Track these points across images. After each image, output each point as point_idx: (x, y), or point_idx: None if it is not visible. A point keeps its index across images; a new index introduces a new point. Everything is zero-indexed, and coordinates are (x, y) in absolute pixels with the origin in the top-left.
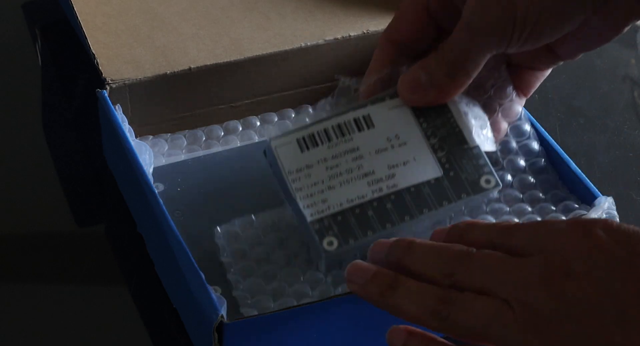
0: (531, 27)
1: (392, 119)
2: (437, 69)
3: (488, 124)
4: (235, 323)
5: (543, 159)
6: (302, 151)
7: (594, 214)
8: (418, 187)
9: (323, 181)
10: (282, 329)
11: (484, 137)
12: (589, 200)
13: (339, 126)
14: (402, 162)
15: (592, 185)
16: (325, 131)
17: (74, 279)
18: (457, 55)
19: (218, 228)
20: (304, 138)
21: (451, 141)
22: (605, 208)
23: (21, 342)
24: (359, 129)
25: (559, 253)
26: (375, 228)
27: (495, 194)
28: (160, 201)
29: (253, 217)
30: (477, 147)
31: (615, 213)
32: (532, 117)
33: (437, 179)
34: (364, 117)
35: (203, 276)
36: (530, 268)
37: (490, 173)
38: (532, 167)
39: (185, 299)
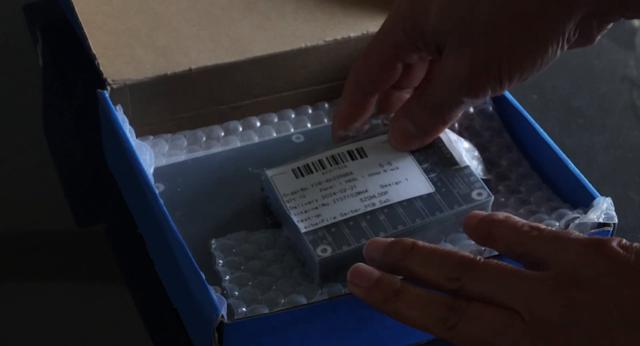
0: (516, 79)
1: (384, 150)
2: (425, 117)
3: (477, 153)
4: (235, 323)
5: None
6: (297, 177)
7: (593, 214)
8: (410, 201)
9: (317, 200)
10: (282, 329)
11: (475, 166)
12: (587, 201)
13: (332, 157)
14: (394, 182)
15: (591, 186)
16: (320, 161)
17: (74, 279)
18: (448, 106)
19: (213, 240)
20: (299, 168)
21: (442, 164)
22: (604, 208)
23: (21, 342)
24: (352, 158)
25: (571, 266)
26: (368, 236)
27: (489, 209)
28: (161, 201)
29: (246, 234)
30: (468, 167)
31: (614, 213)
32: (531, 117)
33: (429, 194)
34: (357, 149)
35: (203, 276)
36: (541, 279)
37: (482, 187)
38: (522, 184)
39: (185, 299)
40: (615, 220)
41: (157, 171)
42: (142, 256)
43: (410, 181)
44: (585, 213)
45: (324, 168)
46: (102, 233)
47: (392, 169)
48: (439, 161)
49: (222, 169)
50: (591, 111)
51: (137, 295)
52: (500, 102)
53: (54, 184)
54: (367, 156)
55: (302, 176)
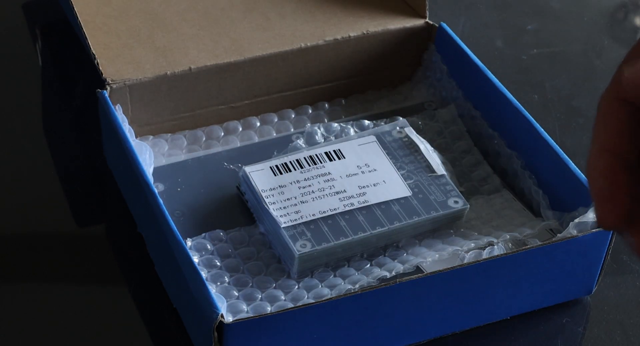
0: None
1: (362, 152)
2: None
3: (450, 166)
4: (235, 323)
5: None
6: (275, 175)
7: (593, 214)
8: (388, 203)
9: (296, 197)
10: (282, 329)
11: (449, 177)
12: (588, 200)
13: (310, 157)
14: (372, 183)
15: None
16: (298, 160)
17: (74, 279)
18: None
19: (188, 240)
20: (277, 166)
21: (419, 171)
22: None
23: (21, 342)
24: (330, 159)
25: None
26: (347, 234)
27: (464, 218)
28: (160, 201)
29: (221, 233)
30: (444, 175)
31: None
32: (531, 117)
33: (406, 199)
34: (334, 150)
35: (203, 276)
36: None
37: (458, 196)
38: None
39: (185, 299)
40: None
41: (157, 171)
42: (142, 256)
43: (388, 183)
44: (586, 212)
45: (302, 167)
46: (102, 233)
47: (369, 171)
48: (415, 170)
49: (222, 169)
50: (591, 111)
51: (137, 295)
52: (500, 102)
53: (54, 184)
54: (344, 158)
55: (280, 173)
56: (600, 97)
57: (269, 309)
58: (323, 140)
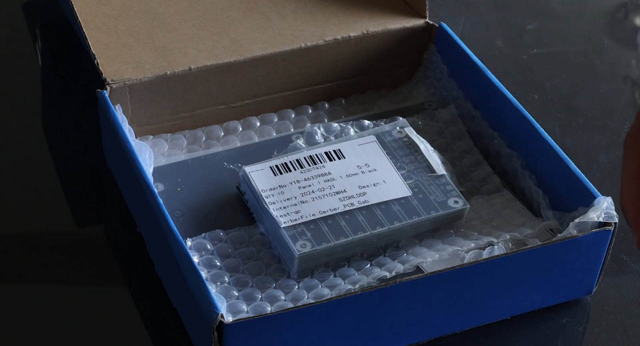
0: None
1: (362, 152)
2: None
3: (450, 166)
4: (235, 323)
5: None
6: (275, 175)
7: (593, 213)
8: (388, 203)
9: (296, 197)
10: (282, 329)
11: (448, 177)
12: (588, 200)
13: (310, 157)
14: (372, 183)
15: (592, 185)
16: (298, 160)
17: (74, 279)
18: None
19: (188, 240)
20: (277, 166)
21: (419, 171)
22: (604, 207)
23: (21, 342)
24: (330, 159)
25: None
26: (347, 234)
27: (464, 218)
28: (160, 201)
29: (221, 233)
30: (444, 175)
31: (614, 212)
32: (531, 117)
33: (406, 199)
34: (334, 150)
35: (203, 276)
36: None
37: (459, 196)
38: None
39: (185, 299)
40: (616, 219)
41: (157, 171)
42: (142, 256)
43: (388, 183)
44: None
45: (302, 167)
46: (102, 233)
47: (369, 171)
48: (415, 170)
49: (222, 169)
50: (592, 110)
51: (137, 295)
52: (500, 102)
53: (54, 184)
54: (344, 158)
55: (281, 173)
56: (626, 134)
57: (269, 309)
58: (323, 140)
